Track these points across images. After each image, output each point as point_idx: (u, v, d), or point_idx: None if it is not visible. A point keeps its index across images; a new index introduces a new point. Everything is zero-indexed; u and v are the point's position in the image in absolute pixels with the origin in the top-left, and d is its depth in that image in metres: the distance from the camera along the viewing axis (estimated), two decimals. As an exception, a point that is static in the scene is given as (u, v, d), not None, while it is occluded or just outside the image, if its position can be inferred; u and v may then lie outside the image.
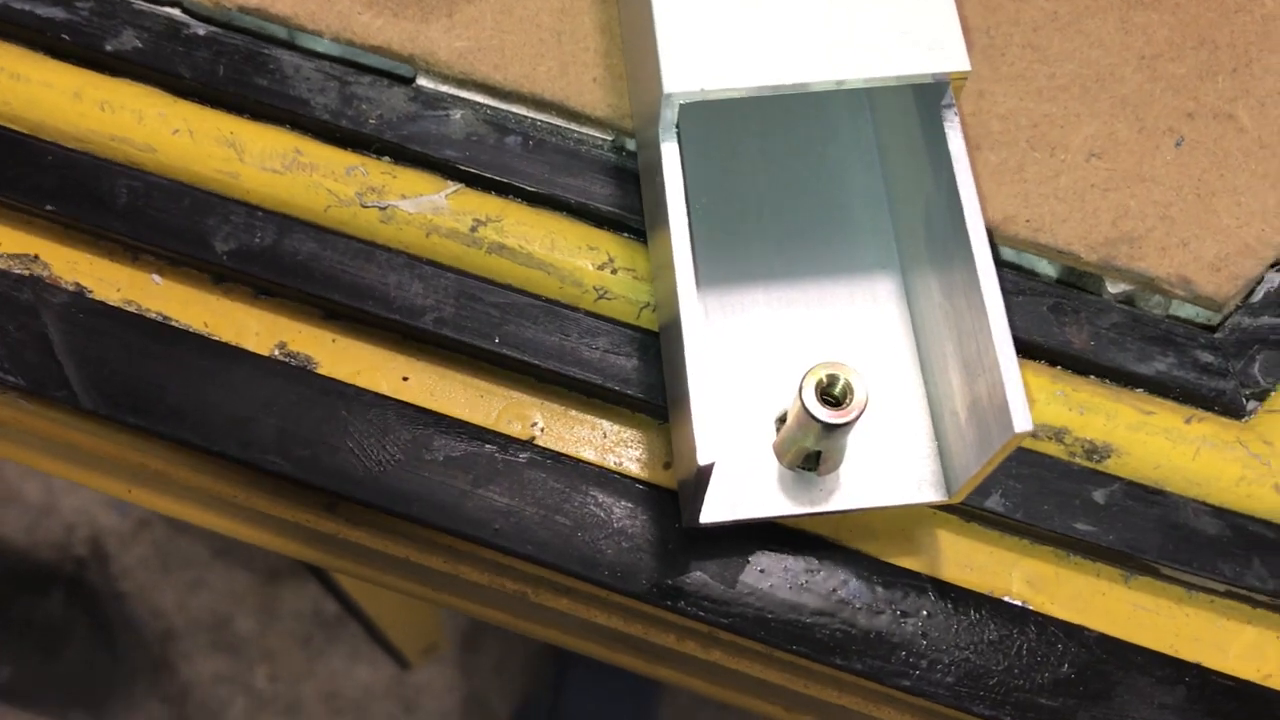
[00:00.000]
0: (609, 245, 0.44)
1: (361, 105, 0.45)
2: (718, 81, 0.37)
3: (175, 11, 0.46)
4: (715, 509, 0.39)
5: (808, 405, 0.37)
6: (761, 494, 0.40)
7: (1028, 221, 0.44)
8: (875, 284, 0.43)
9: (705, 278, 0.43)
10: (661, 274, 0.40)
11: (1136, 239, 0.44)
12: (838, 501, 0.40)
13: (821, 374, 0.37)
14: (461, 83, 0.46)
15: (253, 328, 0.44)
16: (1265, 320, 0.44)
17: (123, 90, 0.45)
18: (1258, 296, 0.44)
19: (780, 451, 0.40)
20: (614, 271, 0.43)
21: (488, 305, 0.43)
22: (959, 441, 0.39)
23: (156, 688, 1.45)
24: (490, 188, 0.45)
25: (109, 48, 0.45)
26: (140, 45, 0.46)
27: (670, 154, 0.37)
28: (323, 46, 0.46)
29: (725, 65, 0.37)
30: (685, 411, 0.36)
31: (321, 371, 0.43)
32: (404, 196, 0.44)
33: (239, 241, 0.43)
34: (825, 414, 0.37)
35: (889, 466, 0.40)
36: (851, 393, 0.37)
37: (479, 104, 0.46)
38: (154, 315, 0.44)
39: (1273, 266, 0.44)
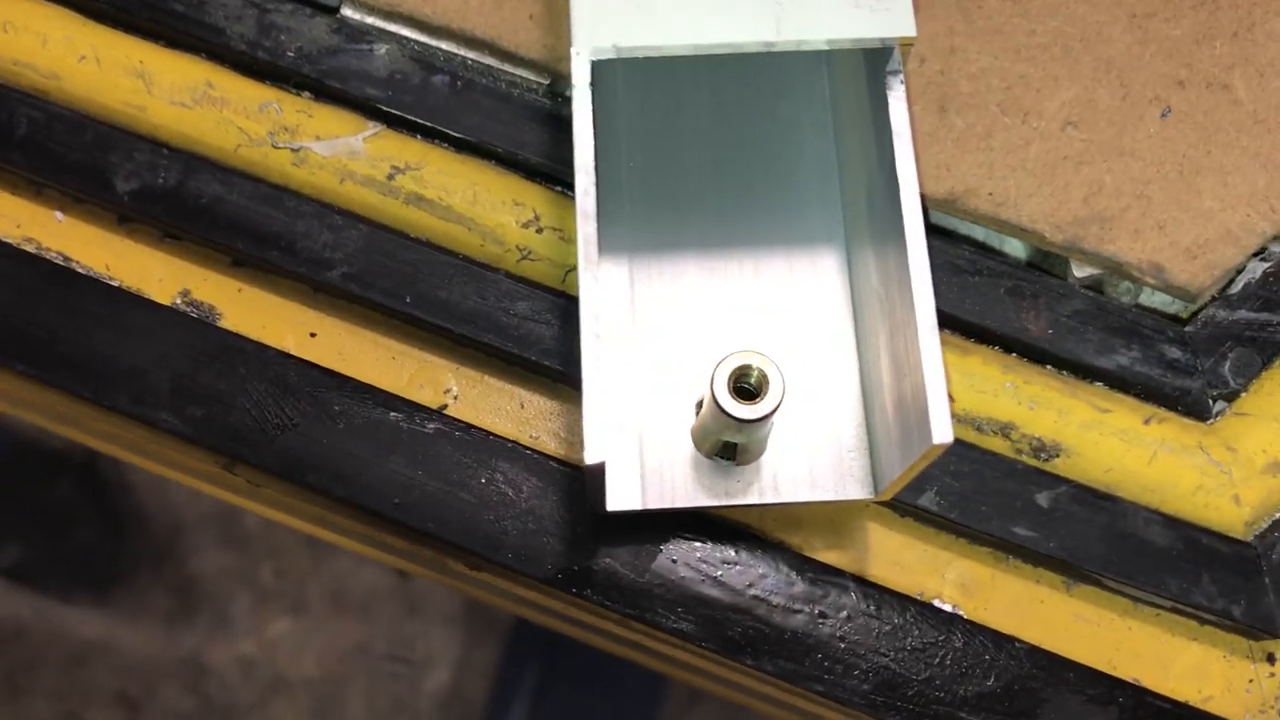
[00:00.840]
0: (536, 201, 0.41)
1: (280, 36, 0.42)
2: (634, 38, 0.33)
3: (88, -75, 0.43)
4: (621, 497, 0.37)
5: (719, 398, 0.34)
6: (673, 483, 0.37)
7: (990, 195, 0.40)
8: (818, 257, 0.40)
9: (634, 243, 0.39)
10: None
11: (1108, 219, 0.40)
12: (755, 495, 0.37)
13: (735, 364, 0.34)
14: (388, 14, 0.42)
15: (156, 272, 0.41)
16: (1241, 314, 0.40)
17: (27, 10, 0.42)
18: (1236, 287, 0.41)
19: (697, 440, 0.37)
20: (539, 231, 0.40)
21: (401, 261, 0.40)
22: (887, 438, 0.36)
23: (161, 578, 1.46)
24: (413, 131, 0.42)
25: (15, -38, 0.42)
26: (49, -39, 0.42)
27: (581, 114, 0.34)
28: (243, -30, 0.43)
29: (644, 20, 0.33)
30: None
31: (224, 323, 0.41)
32: (318, 138, 0.41)
33: (142, 181, 0.41)
34: (737, 408, 0.34)
35: (814, 459, 0.37)
36: (767, 385, 0.34)
37: (406, 38, 0.42)
38: (54, 255, 0.41)
39: (1256, 255, 0.41)
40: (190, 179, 0.41)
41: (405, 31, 0.42)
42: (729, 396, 0.34)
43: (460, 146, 0.41)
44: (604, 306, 0.38)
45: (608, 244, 0.39)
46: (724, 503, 0.37)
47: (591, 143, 0.34)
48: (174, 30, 0.42)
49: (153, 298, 0.41)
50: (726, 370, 0.34)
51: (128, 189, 0.41)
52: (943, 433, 0.31)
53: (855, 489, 0.37)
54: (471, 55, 0.42)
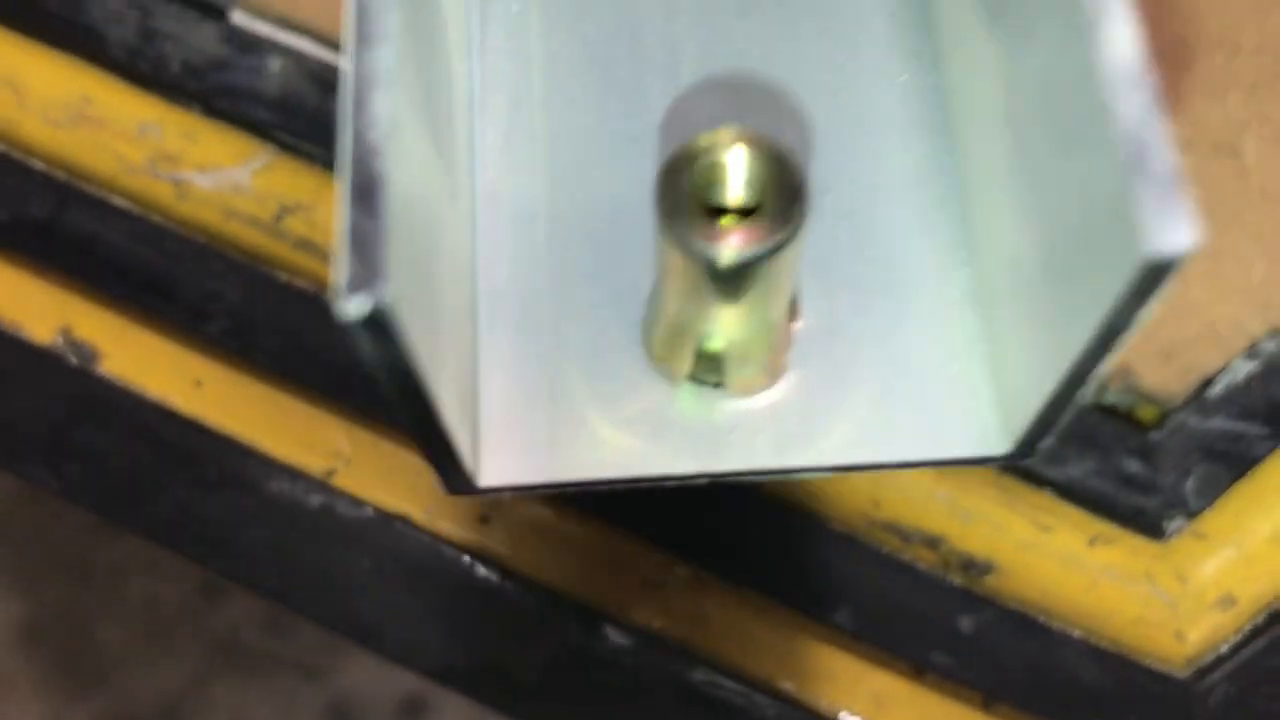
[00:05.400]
0: (438, 251, 0.37)
1: (164, 44, 0.38)
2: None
3: (-42, -103, 0.38)
4: (505, 464, 0.23)
5: (670, 225, 0.18)
6: (590, 445, 0.22)
7: (943, 274, 0.36)
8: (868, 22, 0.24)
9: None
10: None
11: (1075, 308, 0.36)
12: (762, 455, 0.22)
13: (701, 157, 0.18)
14: (283, 23, 0.38)
15: (38, 303, 0.38)
16: (1216, 424, 0.36)
17: (-109, 1, 0.38)
18: (1217, 389, 0.36)
19: (653, 342, 0.22)
20: (439, 287, 0.37)
21: (287, 315, 0.37)
22: (1016, 329, 0.21)
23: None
24: (306, 159, 0.38)
25: (-124, -57, 0.38)
26: (-87, -58, 0.38)
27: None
28: (125, -39, 0.38)
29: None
30: None
31: (105, 367, 0.38)
32: (202, 169, 0.37)
33: (13, 212, 0.37)
34: (708, 243, 0.18)
35: (877, 376, 0.22)
36: (772, 183, 0.18)
37: (302, 53, 0.38)
38: (-72, 279, 0.39)
39: (1244, 353, 0.36)
40: (65, 211, 0.37)
41: (302, 44, 0.38)
42: (693, 215, 0.18)
43: (360, 180, 0.37)
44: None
45: None
46: (702, 469, 0.22)
47: None
48: (51, 31, 0.38)
49: (31, 334, 0.38)
50: (683, 168, 0.18)
51: (-2, 218, 0.37)
52: (1169, 234, 0.16)
53: (966, 438, 0.22)
54: (374, 75, 0.37)
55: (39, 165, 0.38)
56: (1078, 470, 0.36)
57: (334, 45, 0.37)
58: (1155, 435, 0.36)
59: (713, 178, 0.18)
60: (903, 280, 0.23)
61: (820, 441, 0.22)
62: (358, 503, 0.37)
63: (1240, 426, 0.36)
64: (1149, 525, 0.36)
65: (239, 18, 0.38)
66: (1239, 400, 0.36)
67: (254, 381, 0.38)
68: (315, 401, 0.38)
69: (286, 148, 0.37)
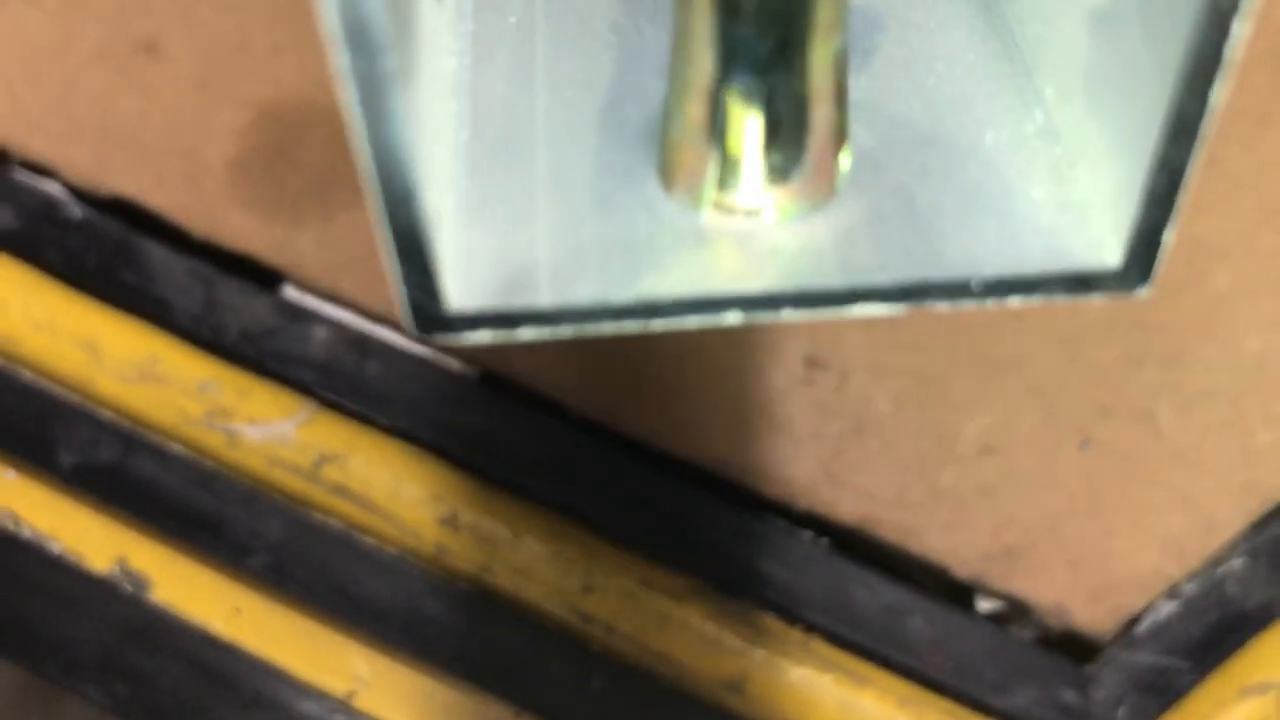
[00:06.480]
0: (456, 496, 0.42)
1: (225, 314, 0.43)
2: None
3: (56, 188, 0.45)
4: (483, 288, 0.17)
5: None
6: (594, 269, 0.18)
7: (898, 524, 0.41)
8: None
9: None
10: None
11: (1016, 554, 0.40)
12: (815, 274, 0.17)
13: None
14: (327, 297, 0.44)
15: (97, 536, 0.43)
16: (1143, 658, 0.40)
17: (-10, 273, 0.44)
18: (1143, 626, 0.41)
19: (672, 153, 0.18)
20: (456, 528, 0.42)
21: (320, 553, 0.42)
22: (1103, 135, 0.18)
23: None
24: (346, 413, 0.43)
25: (-18, 224, 0.44)
26: (14, 224, 0.44)
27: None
28: (194, 242, 0.44)
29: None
30: None
31: (155, 595, 0.42)
32: (252, 421, 0.43)
33: (83, 456, 0.43)
34: None
35: (953, 203, 0.19)
36: None
37: (343, 323, 0.43)
38: (3, 514, 0.44)
39: (1165, 594, 0.41)
40: (129, 457, 0.43)
41: (344, 315, 0.44)
42: None
43: (389, 431, 0.43)
44: None
45: None
46: (735, 289, 0.17)
47: None
48: (124, 300, 0.44)
49: (91, 565, 0.43)
50: None
51: (70, 461, 0.43)
52: None
53: (1066, 250, 0.18)
54: (404, 343, 0.43)
55: (108, 415, 0.43)
56: (1021, 699, 0.40)
57: (372, 316, 0.43)
58: (1089, 669, 0.40)
59: None
60: (969, 119, 0.19)
61: (885, 258, 0.17)
62: (376, 723, 0.41)
63: (1165, 661, 0.40)
64: (1087, 751, 0.40)
65: (290, 292, 0.44)
66: (1163, 637, 0.40)
67: (287, 610, 0.42)
68: (339, 629, 0.42)
69: (327, 404, 0.43)
